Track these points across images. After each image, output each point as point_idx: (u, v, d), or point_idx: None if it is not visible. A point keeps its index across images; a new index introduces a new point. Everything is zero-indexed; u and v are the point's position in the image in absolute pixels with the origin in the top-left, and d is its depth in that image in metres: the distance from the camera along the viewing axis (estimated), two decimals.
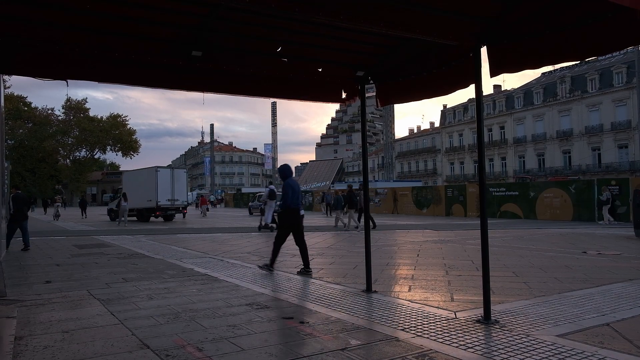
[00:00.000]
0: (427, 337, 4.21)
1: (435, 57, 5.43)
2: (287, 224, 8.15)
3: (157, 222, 26.23)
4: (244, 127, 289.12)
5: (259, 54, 5.59)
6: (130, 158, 79.26)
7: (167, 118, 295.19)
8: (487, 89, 79.14)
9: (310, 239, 14.56)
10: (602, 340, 4.10)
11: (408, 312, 5.14)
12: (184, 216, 29.20)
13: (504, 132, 61.24)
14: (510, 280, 7.11)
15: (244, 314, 5.14)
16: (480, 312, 4.89)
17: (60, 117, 75.70)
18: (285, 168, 8.50)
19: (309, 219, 27.10)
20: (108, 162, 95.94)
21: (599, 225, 19.81)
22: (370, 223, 18.94)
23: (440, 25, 4.61)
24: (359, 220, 18.41)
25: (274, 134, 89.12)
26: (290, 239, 8.15)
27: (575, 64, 53.95)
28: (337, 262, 9.39)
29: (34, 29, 4.60)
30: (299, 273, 7.86)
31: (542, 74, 62.20)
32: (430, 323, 4.69)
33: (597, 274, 7.58)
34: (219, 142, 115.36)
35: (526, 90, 59.48)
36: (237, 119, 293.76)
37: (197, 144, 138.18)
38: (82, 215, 33.11)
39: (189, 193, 31.66)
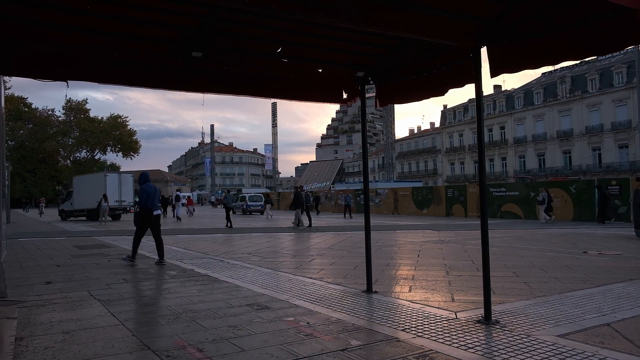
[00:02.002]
0: (428, 338, 4.21)
1: (435, 57, 5.43)
2: (143, 222, 9.56)
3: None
4: (245, 127, 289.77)
5: (259, 55, 5.59)
6: (131, 159, 79.40)
7: (168, 119, 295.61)
8: (488, 89, 79.17)
9: (310, 239, 14.59)
10: (602, 340, 4.10)
11: (408, 313, 5.14)
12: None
13: (504, 132, 61.25)
14: (510, 280, 7.11)
15: (244, 315, 5.14)
16: (480, 312, 4.89)
17: (60, 118, 75.77)
18: (142, 175, 9.95)
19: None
20: (108, 163, 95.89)
21: (539, 223, 21.30)
22: (308, 222, 20.53)
23: (440, 26, 4.61)
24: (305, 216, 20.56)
25: (274, 134, 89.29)
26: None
27: (576, 64, 54.02)
28: (337, 262, 9.38)
29: (34, 30, 4.60)
30: (156, 263, 9.22)
31: (542, 74, 62.24)
32: (431, 323, 4.69)
33: (598, 274, 7.58)
34: (219, 142, 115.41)
35: (526, 90, 59.49)
36: (237, 120, 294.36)
37: (197, 145, 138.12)
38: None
39: (188, 194, 33.00)
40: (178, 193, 32.64)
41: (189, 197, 43.56)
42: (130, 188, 30.10)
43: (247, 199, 38.77)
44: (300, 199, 20.25)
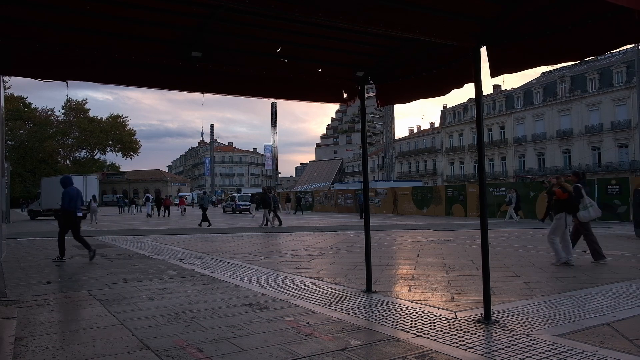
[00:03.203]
0: (428, 337, 4.21)
1: (434, 57, 5.43)
2: (66, 222, 10.09)
3: (156, 223, 26.29)
4: (244, 127, 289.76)
5: (258, 55, 5.59)
6: (130, 159, 79.54)
7: (168, 119, 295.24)
8: (487, 89, 79.31)
9: (310, 239, 14.58)
10: (602, 339, 4.10)
11: (408, 312, 5.14)
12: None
13: (504, 132, 61.24)
14: (510, 280, 7.11)
15: (244, 315, 5.14)
16: (480, 312, 4.89)
17: (60, 118, 75.75)
18: (66, 179, 10.53)
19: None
20: (108, 163, 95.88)
21: (505, 222, 22.09)
22: (277, 221, 21.60)
23: (439, 26, 4.61)
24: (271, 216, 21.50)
25: (274, 134, 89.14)
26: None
27: (575, 63, 53.97)
28: (337, 262, 9.39)
29: (34, 30, 4.60)
30: (53, 261, 9.82)
31: (542, 73, 62.24)
32: (431, 323, 4.69)
33: (597, 273, 7.58)
34: (219, 142, 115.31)
35: (526, 90, 59.49)
36: (237, 120, 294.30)
37: (197, 145, 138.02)
38: None
39: (188, 194, 34.01)
40: (148, 195, 38.09)
41: (181, 197, 45.29)
42: (95, 190, 32.97)
43: (236, 198, 40.62)
44: (268, 200, 21.22)
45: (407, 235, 15.69)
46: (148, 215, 33.84)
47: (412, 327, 4.56)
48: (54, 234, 18.09)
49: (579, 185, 9.05)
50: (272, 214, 21.44)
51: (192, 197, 62.72)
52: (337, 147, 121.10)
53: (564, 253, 8.54)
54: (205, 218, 22.24)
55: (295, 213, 37.02)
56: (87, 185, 32.12)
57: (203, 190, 33.47)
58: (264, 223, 21.24)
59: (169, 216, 33.57)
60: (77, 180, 30.13)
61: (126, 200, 49.87)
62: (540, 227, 18.49)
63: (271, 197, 21.61)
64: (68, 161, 77.46)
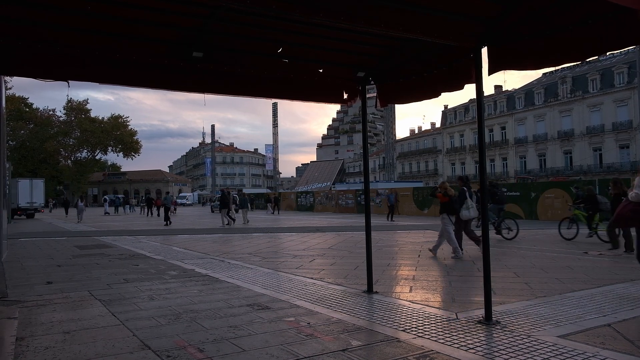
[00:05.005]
0: (428, 338, 4.21)
1: (435, 57, 5.43)
2: None
3: (157, 224, 26.34)
4: (245, 128, 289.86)
5: (259, 55, 5.59)
6: (132, 159, 79.46)
7: (169, 119, 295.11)
8: (488, 89, 79.14)
9: (310, 240, 14.59)
10: (603, 340, 4.09)
11: (409, 313, 5.14)
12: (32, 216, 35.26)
13: (505, 132, 61.19)
14: (511, 280, 7.10)
15: (245, 315, 5.14)
16: (481, 312, 4.88)
17: (61, 118, 75.67)
18: None
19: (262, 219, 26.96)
20: (109, 163, 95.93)
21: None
22: (231, 221, 22.26)
23: (440, 26, 4.61)
24: (227, 215, 22.20)
25: (275, 134, 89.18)
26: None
27: (576, 64, 53.91)
28: (338, 262, 9.38)
29: (35, 30, 4.60)
30: None
31: (543, 74, 62.19)
32: (431, 324, 4.69)
33: (599, 274, 7.57)
34: (220, 143, 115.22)
35: (527, 90, 59.45)
36: (238, 120, 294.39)
37: (198, 145, 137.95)
38: (66, 214, 37.63)
39: (189, 194, 34.97)
40: (105, 197, 44.63)
41: (172, 198, 47.30)
42: (41, 191, 35.50)
43: None
44: (226, 200, 21.93)
45: (408, 236, 15.68)
46: (106, 213, 38.59)
47: (412, 327, 4.56)
48: (54, 234, 18.14)
49: (464, 188, 10.35)
50: (226, 212, 22.15)
51: (193, 197, 63.37)
52: (338, 147, 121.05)
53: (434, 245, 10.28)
54: (166, 217, 23.72)
55: (273, 213, 38.46)
56: (34, 188, 34.83)
57: (167, 191, 35.79)
58: (226, 223, 21.93)
59: (159, 216, 34.22)
60: (23, 184, 34.70)
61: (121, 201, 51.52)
62: (541, 228, 18.48)
63: (231, 197, 22.50)
64: (69, 161, 77.44)
